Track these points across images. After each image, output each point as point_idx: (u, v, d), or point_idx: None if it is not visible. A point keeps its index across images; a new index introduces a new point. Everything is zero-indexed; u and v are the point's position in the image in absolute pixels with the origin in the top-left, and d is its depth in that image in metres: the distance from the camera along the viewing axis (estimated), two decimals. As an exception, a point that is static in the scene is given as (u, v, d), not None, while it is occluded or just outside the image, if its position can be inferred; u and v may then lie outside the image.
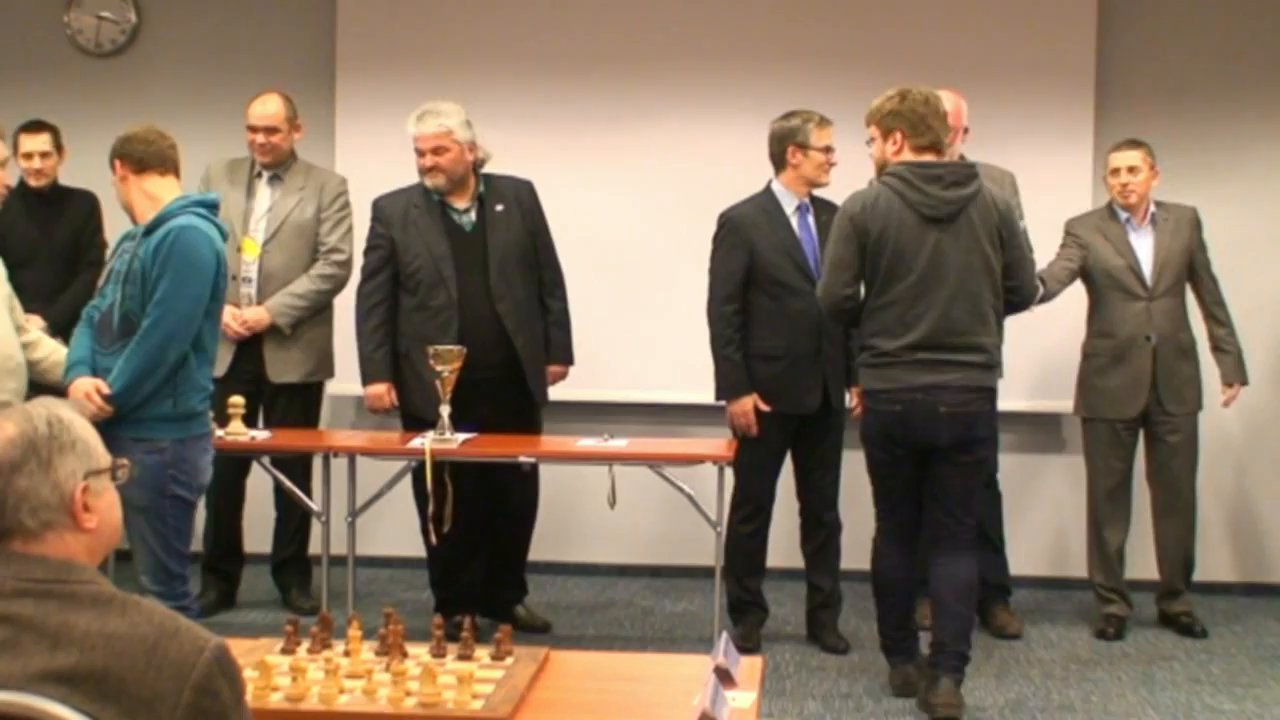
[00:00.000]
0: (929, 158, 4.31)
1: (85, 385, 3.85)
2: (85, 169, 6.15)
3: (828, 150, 5.07)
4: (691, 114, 6.06)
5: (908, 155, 4.33)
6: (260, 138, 5.38)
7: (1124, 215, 5.37)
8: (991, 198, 4.36)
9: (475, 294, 4.99)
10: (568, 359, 5.25)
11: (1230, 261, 5.63)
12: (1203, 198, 5.54)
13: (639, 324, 6.05)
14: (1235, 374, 5.44)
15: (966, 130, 5.31)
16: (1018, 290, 4.41)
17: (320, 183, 5.48)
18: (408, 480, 5.03)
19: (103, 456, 1.92)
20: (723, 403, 5.13)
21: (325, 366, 5.55)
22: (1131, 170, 5.31)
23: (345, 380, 5.75)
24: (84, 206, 5.68)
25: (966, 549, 4.44)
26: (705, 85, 6.06)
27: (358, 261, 5.28)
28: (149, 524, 3.85)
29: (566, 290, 5.25)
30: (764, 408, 5.03)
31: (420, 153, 5.01)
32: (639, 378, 6.05)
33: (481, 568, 5.24)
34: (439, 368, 4.71)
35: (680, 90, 6.08)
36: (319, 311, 5.45)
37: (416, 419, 5.07)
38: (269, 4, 6.30)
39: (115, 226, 5.61)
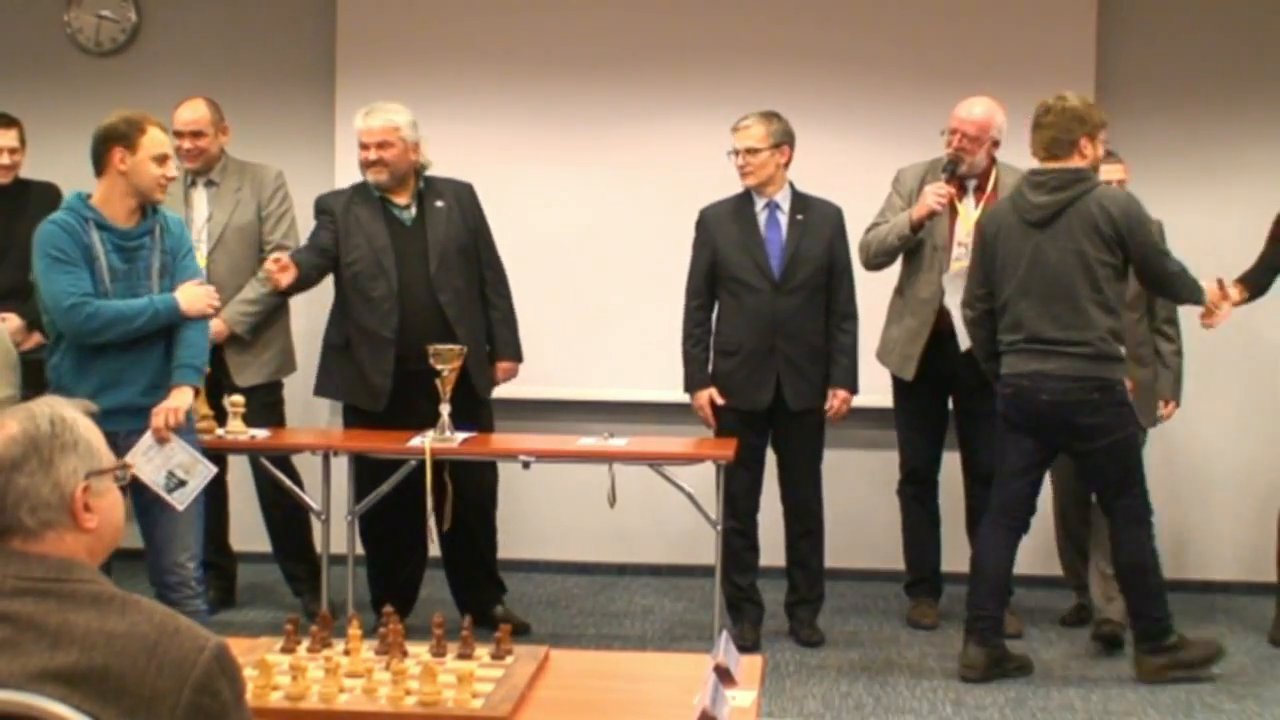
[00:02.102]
0: (1045, 163, 4.59)
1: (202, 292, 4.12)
2: (84, 167, 6.16)
3: (734, 152, 5.11)
4: (689, 114, 6.06)
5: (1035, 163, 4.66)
6: (186, 143, 5.27)
7: None
8: (1099, 203, 4.55)
9: (416, 285, 4.99)
10: (517, 355, 5.24)
11: (1231, 259, 5.61)
12: (1203, 197, 5.55)
13: (638, 323, 6.05)
14: (1171, 391, 5.38)
15: (996, 144, 5.17)
16: (1158, 287, 4.80)
17: (256, 179, 5.41)
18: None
19: (106, 456, 1.91)
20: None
21: (288, 364, 5.52)
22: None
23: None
24: (49, 199, 5.48)
25: (1124, 523, 4.70)
26: (702, 85, 6.05)
27: None
28: (200, 506, 4.03)
29: (510, 289, 5.24)
30: (719, 401, 5.10)
31: (365, 146, 5.03)
32: (638, 378, 6.05)
33: (419, 569, 5.26)
34: (439, 367, 4.70)
35: (677, 90, 6.08)
36: (274, 311, 5.41)
37: (358, 411, 5.10)
38: (269, 4, 6.31)
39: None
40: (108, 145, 4.04)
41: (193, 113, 5.34)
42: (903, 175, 5.28)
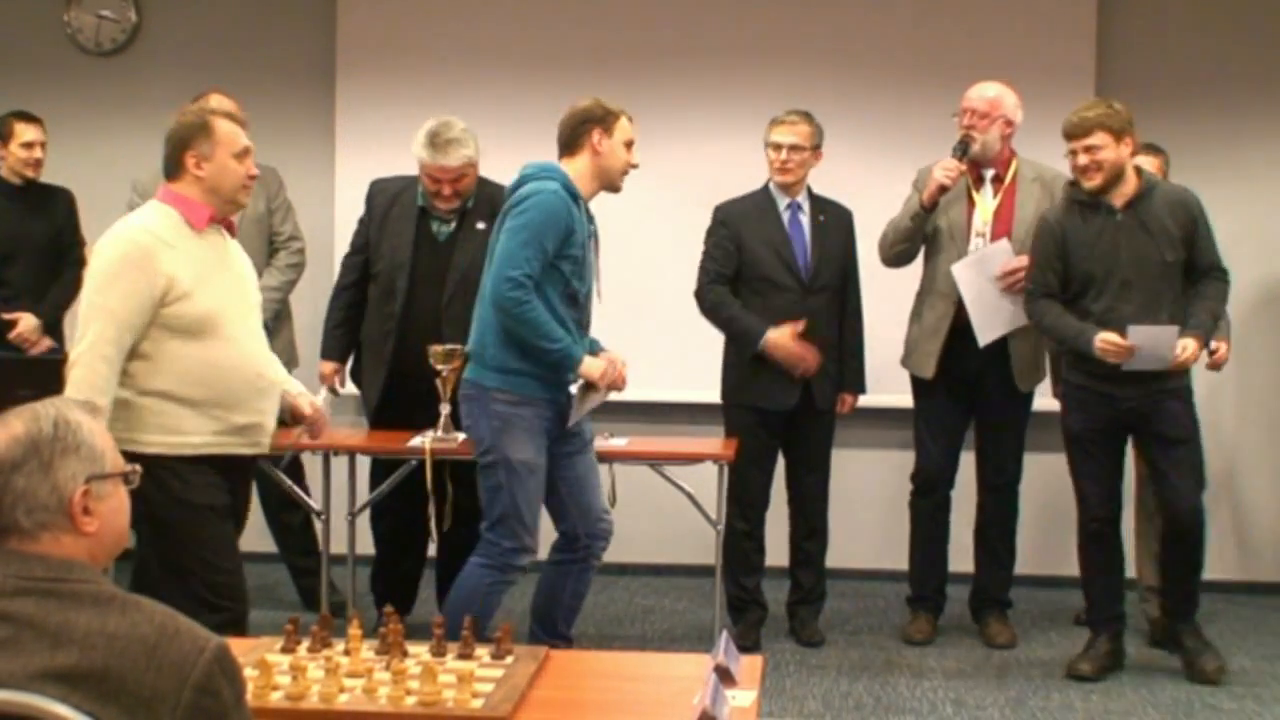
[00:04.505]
0: None
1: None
2: (85, 167, 6.17)
3: (776, 147, 5.05)
4: (690, 113, 6.06)
5: None
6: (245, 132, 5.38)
7: None
8: None
9: (425, 310, 4.85)
10: None
11: (1230, 259, 5.61)
12: (1202, 197, 5.53)
13: (638, 323, 6.03)
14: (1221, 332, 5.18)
15: (1009, 125, 5.11)
16: None
17: (260, 176, 5.44)
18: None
19: (111, 461, 1.90)
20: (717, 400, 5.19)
21: (294, 356, 5.55)
22: None
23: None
24: (64, 203, 5.62)
25: None
26: (703, 85, 6.06)
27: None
28: None
29: None
30: (799, 327, 4.97)
31: (436, 180, 4.79)
32: (639, 378, 6.02)
33: (418, 566, 5.21)
34: (439, 367, 4.69)
35: (678, 89, 6.08)
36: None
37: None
38: (269, 4, 6.31)
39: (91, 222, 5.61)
40: (586, 126, 4.13)
41: (234, 102, 5.36)
42: (921, 174, 5.19)
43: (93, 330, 3.43)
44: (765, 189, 5.17)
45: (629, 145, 4.18)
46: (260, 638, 2.78)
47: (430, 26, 6.16)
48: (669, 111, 6.08)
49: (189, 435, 3.50)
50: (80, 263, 5.63)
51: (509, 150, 5.71)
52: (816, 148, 5.09)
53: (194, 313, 3.49)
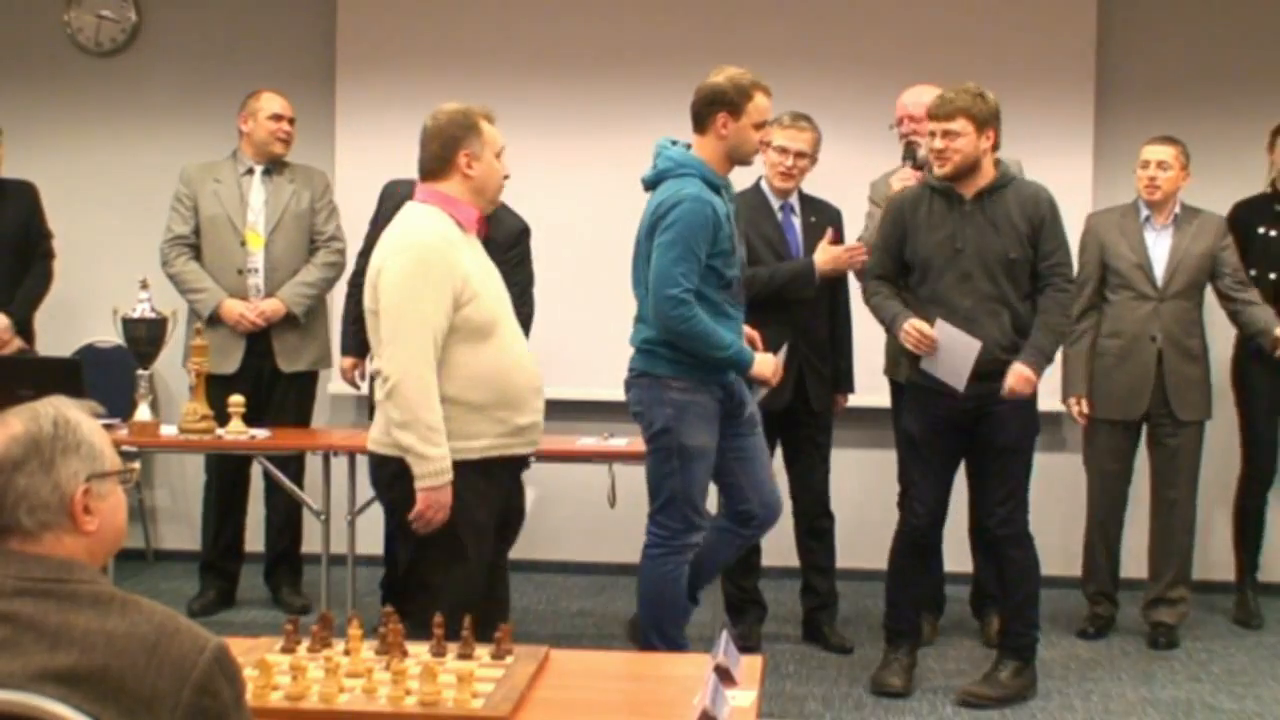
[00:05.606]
0: None
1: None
2: (84, 167, 6.17)
3: (782, 151, 5.00)
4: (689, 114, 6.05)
5: None
6: (287, 126, 5.42)
7: (1145, 213, 5.27)
8: None
9: None
10: None
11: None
12: (1201, 197, 5.54)
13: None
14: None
15: None
16: None
17: (308, 176, 5.52)
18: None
19: (110, 460, 1.90)
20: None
21: (326, 355, 5.57)
22: (1160, 165, 5.19)
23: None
24: (26, 196, 5.55)
25: None
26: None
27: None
28: None
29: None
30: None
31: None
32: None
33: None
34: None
35: (677, 90, 6.00)
36: (319, 301, 5.51)
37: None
38: (269, 4, 6.31)
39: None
40: (713, 108, 4.07)
41: (284, 99, 5.45)
42: (875, 184, 5.23)
43: (411, 342, 3.34)
44: (757, 187, 5.15)
45: (760, 126, 4.12)
46: (260, 637, 2.78)
47: (430, 26, 6.17)
48: (668, 112, 6.03)
49: (474, 440, 3.42)
50: (48, 255, 5.61)
51: (508, 150, 5.74)
52: (816, 157, 5.08)
53: (481, 316, 3.42)
